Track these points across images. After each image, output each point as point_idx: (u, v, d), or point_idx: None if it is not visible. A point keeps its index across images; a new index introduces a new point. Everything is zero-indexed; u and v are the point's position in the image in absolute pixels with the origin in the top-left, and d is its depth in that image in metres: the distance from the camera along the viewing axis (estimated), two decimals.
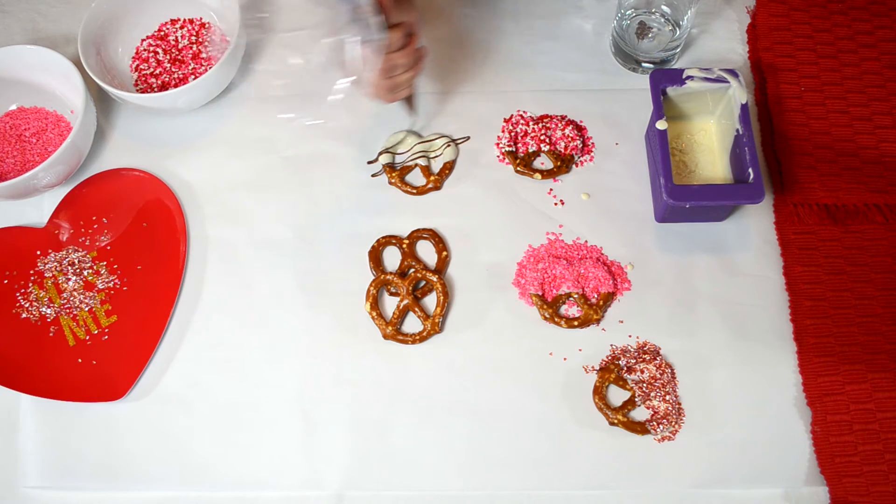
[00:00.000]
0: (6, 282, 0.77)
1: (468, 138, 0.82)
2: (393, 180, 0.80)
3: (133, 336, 0.74)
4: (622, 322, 0.74)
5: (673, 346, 0.72)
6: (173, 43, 0.86)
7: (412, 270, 0.75)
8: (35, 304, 0.76)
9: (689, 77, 0.73)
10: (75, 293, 0.76)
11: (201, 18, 0.87)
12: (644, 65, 0.83)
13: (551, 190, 0.79)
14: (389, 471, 0.70)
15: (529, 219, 0.78)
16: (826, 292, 0.72)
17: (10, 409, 0.73)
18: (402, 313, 0.74)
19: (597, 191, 0.79)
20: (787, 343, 0.72)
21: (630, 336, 0.73)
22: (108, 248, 0.78)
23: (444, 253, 0.76)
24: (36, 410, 0.73)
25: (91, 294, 0.76)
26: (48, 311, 0.76)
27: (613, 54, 0.85)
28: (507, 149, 0.80)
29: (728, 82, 0.73)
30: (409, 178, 0.81)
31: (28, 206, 0.81)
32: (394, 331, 0.73)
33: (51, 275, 0.77)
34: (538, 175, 0.79)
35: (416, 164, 0.80)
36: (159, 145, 0.83)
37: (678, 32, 0.80)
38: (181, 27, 0.87)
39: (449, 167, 0.80)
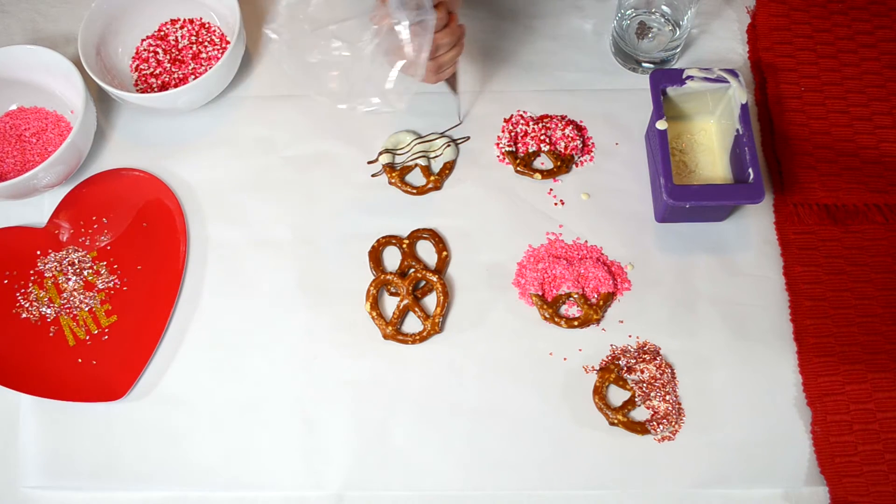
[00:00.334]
0: (6, 282, 0.77)
1: (468, 138, 0.81)
2: (393, 180, 0.80)
3: (133, 336, 0.74)
4: (622, 322, 0.74)
5: (673, 346, 0.72)
6: (173, 43, 0.86)
7: (412, 270, 0.75)
8: (35, 304, 0.76)
9: (689, 77, 0.73)
10: (75, 293, 0.76)
11: (201, 18, 0.87)
12: (644, 65, 0.83)
13: (551, 190, 0.79)
14: (389, 471, 0.70)
15: (529, 219, 0.78)
16: (826, 292, 0.72)
17: (10, 409, 0.73)
18: (402, 313, 0.74)
19: (597, 191, 0.79)
20: (787, 343, 0.72)
21: (630, 336, 0.73)
22: (108, 248, 0.78)
23: (444, 253, 0.76)
24: (36, 410, 0.73)
25: (91, 294, 0.76)
26: (48, 311, 0.76)
27: (613, 54, 0.85)
28: (507, 149, 0.80)
29: (728, 82, 0.73)
30: (409, 178, 0.81)
31: (28, 206, 0.81)
32: (394, 331, 0.73)
33: (51, 275, 0.77)
34: (538, 175, 0.79)
35: (416, 164, 0.80)
36: (159, 145, 0.83)
37: (678, 32, 0.80)
38: (181, 27, 0.87)
39: (449, 167, 0.80)
